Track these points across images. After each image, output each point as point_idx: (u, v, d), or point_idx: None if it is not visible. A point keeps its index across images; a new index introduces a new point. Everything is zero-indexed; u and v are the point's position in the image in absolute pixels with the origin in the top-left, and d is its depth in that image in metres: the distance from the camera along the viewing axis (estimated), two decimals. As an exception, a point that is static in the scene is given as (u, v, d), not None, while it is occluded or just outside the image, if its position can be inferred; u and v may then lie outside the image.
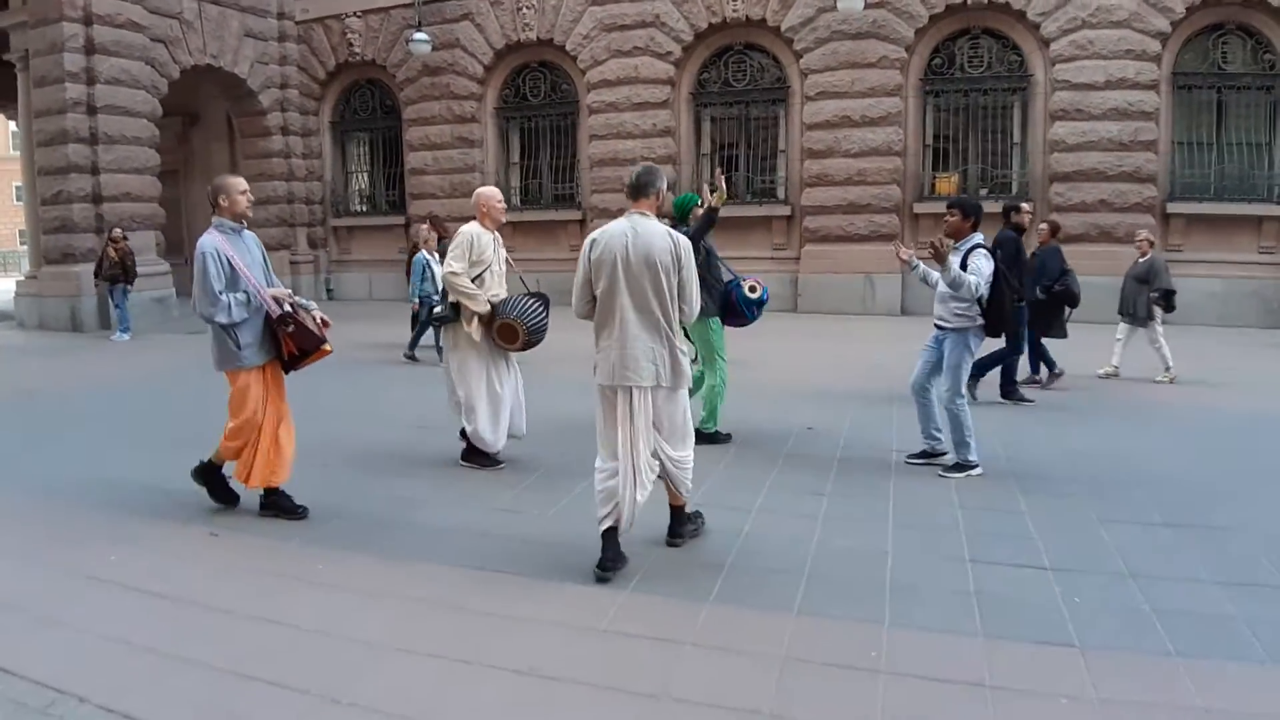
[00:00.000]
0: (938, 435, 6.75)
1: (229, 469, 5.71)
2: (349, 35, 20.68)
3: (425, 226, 12.47)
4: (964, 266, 6.24)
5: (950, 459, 6.56)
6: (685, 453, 4.77)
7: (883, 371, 10.49)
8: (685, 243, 4.57)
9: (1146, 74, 15.80)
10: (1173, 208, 15.99)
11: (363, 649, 3.83)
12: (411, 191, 20.46)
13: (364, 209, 22.19)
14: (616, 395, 4.57)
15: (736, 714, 3.32)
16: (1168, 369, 10.37)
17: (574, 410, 7.92)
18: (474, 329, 6.41)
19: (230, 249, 5.25)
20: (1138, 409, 8.87)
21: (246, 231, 5.50)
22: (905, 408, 8.77)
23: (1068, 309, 9.94)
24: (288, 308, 5.41)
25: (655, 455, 4.65)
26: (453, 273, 6.34)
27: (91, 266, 15.91)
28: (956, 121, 17.30)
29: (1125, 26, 15.73)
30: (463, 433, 6.75)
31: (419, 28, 19.11)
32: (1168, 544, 5.08)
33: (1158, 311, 10.47)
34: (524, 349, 6.53)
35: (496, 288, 6.49)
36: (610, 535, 4.59)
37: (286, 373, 5.60)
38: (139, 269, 15.72)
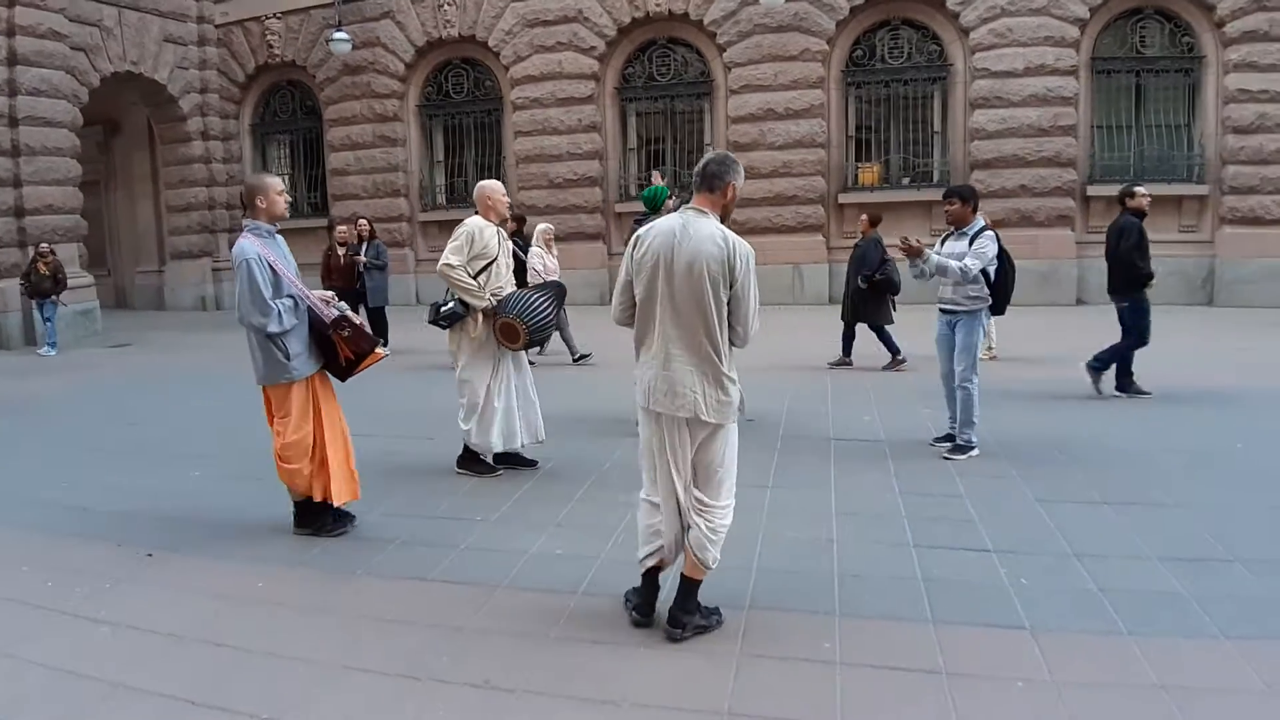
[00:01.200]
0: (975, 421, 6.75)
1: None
2: (269, 37, 20.19)
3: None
4: (972, 245, 6.52)
5: (956, 440, 6.71)
6: (719, 505, 3.84)
7: (814, 360, 10.57)
8: (746, 251, 3.71)
9: (1066, 60, 16.15)
10: (1093, 190, 16.38)
11: (310, 668, 3.68)
12: (334, 193, 20.04)
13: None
14: (657, 420, 3.83)
15: (697, 715, 3.26)
16: (989, 347, 10.74)
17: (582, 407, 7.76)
18: (476, 326, 6.17)
19: (270, 253, 4.93)
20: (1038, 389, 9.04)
21: (279, 235, 5.17)
22: (839, 395, 8.89)
23: (891, 297, 10.41)
24: (336, 310, 5.11)
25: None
26: (449, 265, 6.05)
27: (15, 281, 15.28)
28: (878, 112, 17.51)
29: (1044, 14, 16.05)
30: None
31: (339, 27, 18.75)
32: (1109, 522, 5.15)
33: None
34: (527, 348, 6.31)
35: (502, 283, 6.25)
36: (650, 575, 3.96)
37: (343, 380, 5.26)
38: (62, 282, 15.13)
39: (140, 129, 21.18)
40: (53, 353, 14.50)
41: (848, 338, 10.70)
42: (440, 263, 6.13)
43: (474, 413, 6.24)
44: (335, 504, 5.17)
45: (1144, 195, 8.68)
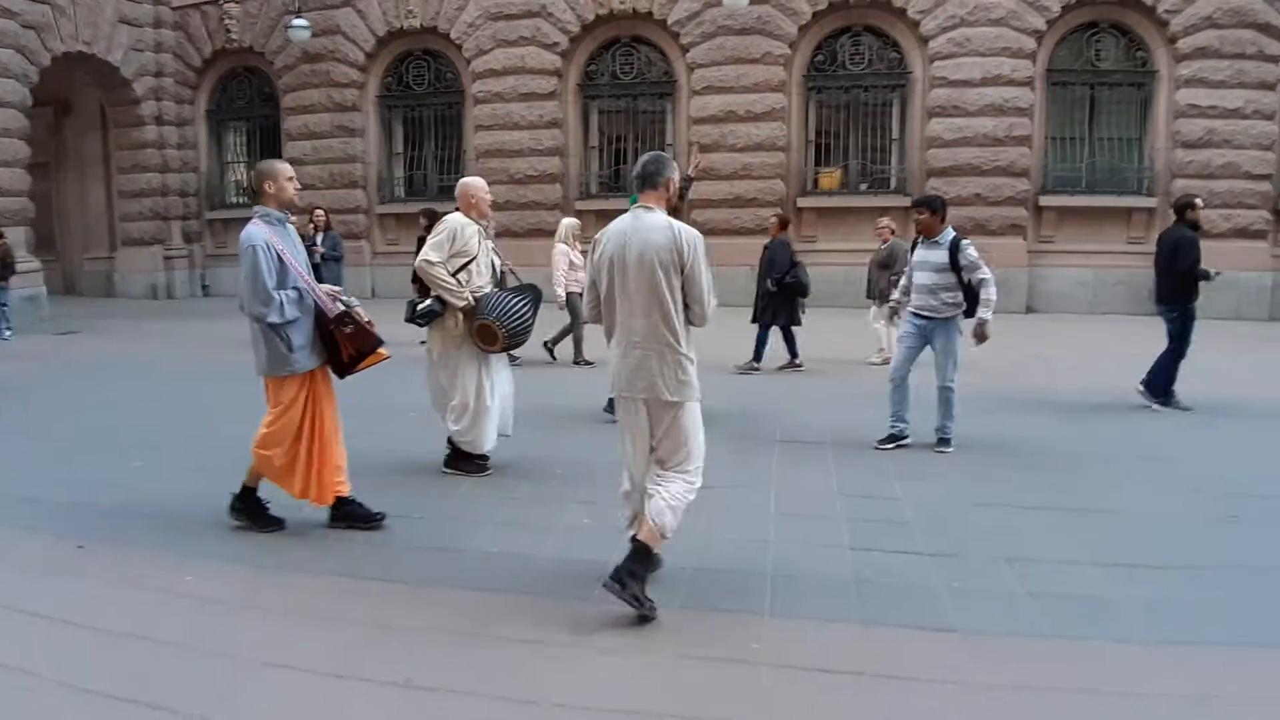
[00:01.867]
0: (907, 420, 7.08)
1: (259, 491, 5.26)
2: (226, 21, 19.85)
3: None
4: (954, 258, 6.71)
5: (936, 435, 6.99)
6: (684, 477, 4.07)
7: (770, 359, 10.62)
8: (691, 235, 3.96)
9: (1022, 71, 16.38)
10: (1045, 200, 16.65)
11: (233, 664, 3.62)
12: (290, 182, 19.74)
13: (241, 201, 21.30)
14: (623, 405, 4.13)
15: (622, 715, 3.25)
16: (881, 350, 11.05)
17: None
18: (455, 325, 6.04)
19: (279, 241, 4.79)
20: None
21: (289, 224, 5.04)
22: (788, 395, 8.94)
23: (801, 299, 10.50)
24: (341, 305, 4.99)
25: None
26: (428, 262, 5.91)
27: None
28: (838, 117, 17.65)
29: (1003, 24, 16.26)
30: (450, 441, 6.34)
31: (298, 13, 18.48)
32: (1045, 527, 5.22)
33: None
34: (505, 350, 6.23)
35: (482, 282, 6.13)
36: (636, 542, 4.09)
37: (342, 377, 5.14)
38: (9, 266, 14.79)
39: (93, 111, 20.72)
40: (11, 336, 14.20)
41: (760, 340, 10.70)
42: (419, 258, 6.01)
43: (464, 412, 6.12)
44: (317, 504, 5.12)
45: (1203, 208, 8.76)
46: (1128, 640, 3.79)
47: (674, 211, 4.33)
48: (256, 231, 4.76)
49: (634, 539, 4.02)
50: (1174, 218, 8.89)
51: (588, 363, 11.00)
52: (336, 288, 5.17)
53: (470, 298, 5.99)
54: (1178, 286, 8.59)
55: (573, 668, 3.59)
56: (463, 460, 6.29)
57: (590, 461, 6.43)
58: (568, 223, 11.57)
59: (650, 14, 17.47)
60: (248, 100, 20.74)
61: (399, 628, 3.93)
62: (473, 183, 6.28)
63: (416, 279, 6.21)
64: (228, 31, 19.88)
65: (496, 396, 6.20)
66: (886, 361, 10.64)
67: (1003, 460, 6.69)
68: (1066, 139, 16.87)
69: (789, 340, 10.61)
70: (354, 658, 3.66)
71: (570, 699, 3.35)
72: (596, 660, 3.64)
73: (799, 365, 10.55)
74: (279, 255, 4.76)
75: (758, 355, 10.61)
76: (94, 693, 3.41)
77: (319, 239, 12.58)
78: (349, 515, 5.17)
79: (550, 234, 17.84)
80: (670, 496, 3.99)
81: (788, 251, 10.47)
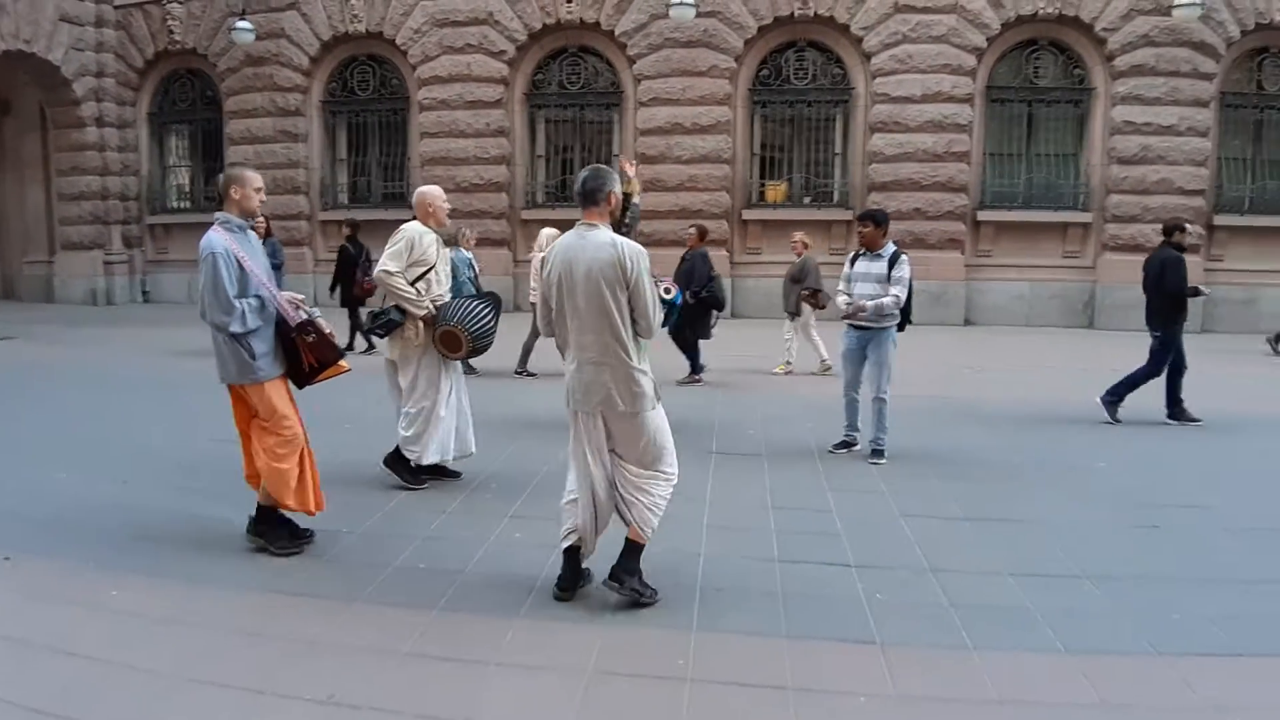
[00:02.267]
0: (859, 429, 7.37)
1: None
2: (170, 22, 19.55)
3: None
4: (891, 269, 7.00)
5: (870, 447, 7.17)
6: (653, 478, 4.26)
7: (710, 373, 10.67)
8: (634, 251, 4.07)
9: (962, 88, 16.71)
10: (983, 215, 16.98)
11: (155, 680, 3.57)
12: (232, 187, 19.44)
13: (183, 205, 21.02)
14: (575, 418, 4.24)
15: (538, 734, 3.25)
16: (787, 361, 11.34)
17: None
18: (416, 335, 5.98)
19: (239, 249, 4.71)
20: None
21: (251, 230, 4.96)
22: (728, 407, 8.98)
23: (715, 312, 10.57)
24: (304, 314, 4.90)
25: (617, 485, 4.26)
26: (387, 272, 5.86)
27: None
28: (783, 131, 17.88)
29: (944, 41, 16.57)
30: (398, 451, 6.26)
31: (242, 15, 18.30)
32: (967, 538, 5.32)
33: (806, 308, 11.22)
34: (469, 357, 6.19)
35: (441, 290, 6.10)
36: (570, 554, 4.34)
37: (301, 387, 5.02)
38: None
39: (32, 111, 20.30)
40: None
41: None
42: (378, 268, 5.95)
43: (416, 419, 6.07)
44: (315, 512, 5.05)
45: (1190, 233, 8.98)
46: (1041, 650, 3.87)
47: (623, 229, 4.52)
48: (217, 238, 4.68)
49: (627, 540, 4.27)
50: (1161, 239, 9.05)
51: (530, 374, 11.02)
52: (299, 296, 5.08)
53: (431, 306, 5.96)
54: (1167, 306, 8.75)
55: (498, 686, 3.58)
56: (402, 468, 6.21)
57: (523, 475, 6.43)
58: (548, 232, 11.54)
59: (598, 24, 17.52)
60: (190, 103, 20.44)
61: (324, 644, 3.89)
62: (430, 191, 6.24)
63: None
64: (170, 32, 19.59)
65: (453, 410, 6.16)
66: (790, 372, 11.04)
67: (931, 471, 6.79)
68: (1005, 155, 17.24)
69: (694, 353, 10.61)
70: (277, 674, 3.63)
71: (492, 716, 3.35)
72: (522, 678, 3.64)
73: (699, 380, 10.51)
74: (239, 262, 4.67)
75: (694, 367, 10.63)
76: (14, 705, 3.37)
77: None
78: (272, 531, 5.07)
79: (498, 244, 17.94)
80: (651, 502, 4.23)
81: (706, 264, 10.48)
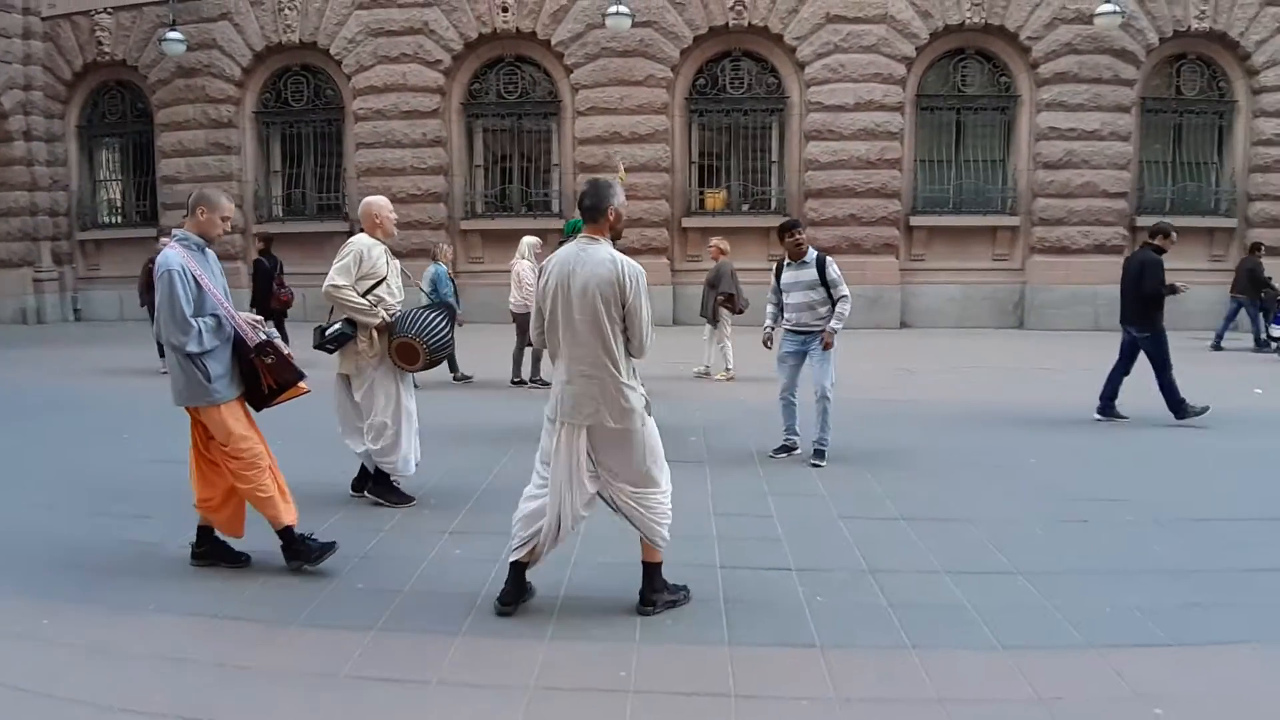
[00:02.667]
0: (798, 433, 7.50)
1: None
2: (99, 33, 19.13)
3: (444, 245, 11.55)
4: (822, 274, 7.21)
5: (813, 448, 7.29)
6: (649, 492, 4.25)
7: (653, 380, 10.66)
8: (634, 270, 4.07)
9: (893, 96, 17.04)
10: (915, 220, 17.34)
11: (83, 710, 3.47)
12: (164, 201, 19.10)
13: (114, 220, 20.58)
14: (561, 428, 4.17)
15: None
16: (727, 368, 11.43)
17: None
18: (370, 346, 5.80)
19: (196, 266, 4.56)
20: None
21: (209, 249, 4.80)
22: (673, 413, 8.99)
23: None
24: (262, 335, 4.76)
25: (603, 499, 4.28)
26: (335, 286, 5.70)
27: None
28: (721, 140, 18.07)
29: (874, 51, 16.89)
30: (363, 469, 6.15)
31: (173, 26, 18.01)
32: (904, 537, 5.41)
33: (724, 313, 11.41)
34: (426, 368, 6.05)
35: (394, 303, 5.95)
36: (516, 568, 4.30)
37: (259, 409, 4.89)
38: None
39: (-42, 124, 19.73)
40: None
41: (536, 358, 10.79)
42: (326, 283, 5.77)
43: (384, 431, 5.94)
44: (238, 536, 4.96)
45: (1172, 241, 9.18)
46: (977, 647, 3.95)
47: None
48: (173, 256, 4.54)
49: (643, 564, 4.35)
50: (1144, 241, 9.32)
51: (466, 377, 11.05)
52: (257, 317, 4.97)
53: (385, 315, 5.83)
54: (1145, 306, 8.95)
55: (439, 706, 3.52)
56: (387, 490, 6.10)
57: (463, 490, 6.37)
58: (529, 240, 11.57)
59: (534, 34, 17.54)
60: (120, 115, 20.02)
61: (259, 669, 3.80)
62: (376, 201, 6.08)
63: (254, 300, 5.90)
64: (100, 44, 19.17)
65: (409, 420, 6.06)
66: (732, 379, 11.18)
67: (869, 473, 6.90)
68: (935, 161, 17.66)
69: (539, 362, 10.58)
70: (211, 702, 3.54)
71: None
72: (463, 697, 3.58)
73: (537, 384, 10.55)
74: (196, 281, 4.54)
75: (534, 373, 10.59)
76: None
77: None
78: (216, 553, 5.00)
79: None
80: (652, 517, 4.24)
81: None
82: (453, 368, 11.29)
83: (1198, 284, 16.99)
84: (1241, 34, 17.03)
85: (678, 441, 7.93)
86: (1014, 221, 17.29)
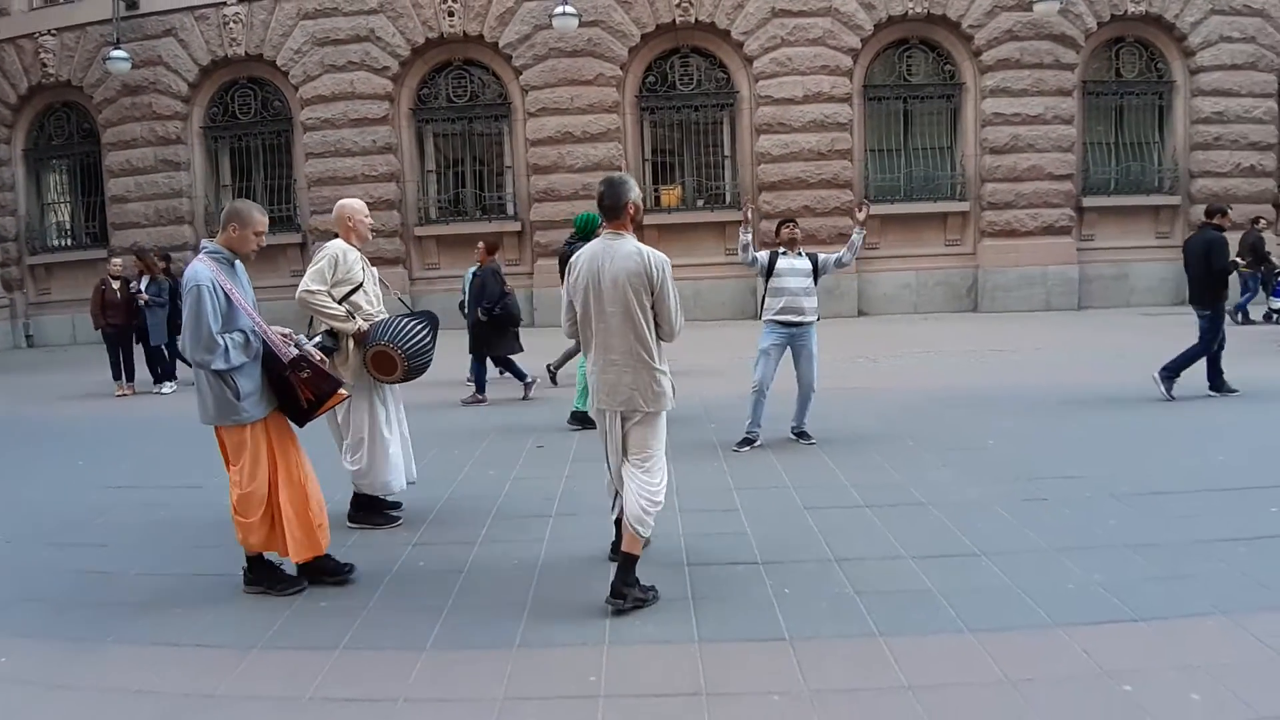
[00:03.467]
0: (761, 425, 7.63)
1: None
2: (43, 55, 18.73)
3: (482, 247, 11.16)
4: (815, 266, 7.56)
5: (800, 429, 7.74)
6: (653, 481, 4.43)
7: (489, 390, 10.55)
8: (660, 260, 4.33)
9: (841, 88, 17.20)
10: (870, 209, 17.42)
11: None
12: (114, 221, 18.76)
13: (64, 243, 20.18)
14: (601, 416, 4.51)
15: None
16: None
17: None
18: (345, 357, 5.53)
19: (226, 280, 4.44)
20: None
21: (239, 262, 4.68)
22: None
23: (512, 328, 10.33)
24: (294, 349, 4.64)
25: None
26: (309, 292, 5.46)
27: None
28: (673, 136, 18.13)
29: (820, 44, 17.03)
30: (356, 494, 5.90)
31: (117, 45, 17.66)
32: (869, 525, 5.47)
33: None
34: (404, 380, 5.62)
35: (372, 311, 5.65)
36: (619, 524, 4.68)
37: (300, 424, 4.77)
38: None
39: (-97, 150, 19.27)
40: None
41: (478, 372, 10.40)
42: (300, 289, 5.51)
43: (360, 449, 5.68)
44: (295, 561, 4.74)
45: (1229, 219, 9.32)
46: (945, 631, 3.99)
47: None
48: (202, 269, 4.39)
49: (619, 553, 4.50)
50: (1201, 221, 9.40)
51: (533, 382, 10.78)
52: (286, 329, 4.79)
53: (361, 323, 5.54)
54: (1213, 285, 9.07)
55: (404, 722, 3.49)
56: (370, 512, 5.89)
57: (427, 500, 6.27)
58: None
59: (481, 36, 17.47)
60: (67, 137, 19.62)
61: (222, 697, 3.71)
62: (350, 205, 5.85)
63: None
64: (44, 65, 18.79)
65: (396, 433, 5.81)
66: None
67: (832, 462, 6.97)
68: (884, 151, 17.86)
69: (513, 370, 10.49)
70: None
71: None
72: (431, 713, 3.53)
73: (529, 386, 10.40)
74: (226, 295, 4.41)
75: (479, 387, 10.36)
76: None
77: (143, 284, 12.01)
78: (318, 569, 4.82)
79: (391, 262, 17.66)
80: (646, 503, 4.38)
81: (498, 280, 10.21)
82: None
83: (1145, 261, 17.64)
84: (1177, 16, 17.39)
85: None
86: (964, 207, 17.53)
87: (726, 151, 17.95)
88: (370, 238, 5.95)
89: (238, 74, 18.49)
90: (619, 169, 17.46)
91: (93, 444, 8.94)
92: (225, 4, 17.81)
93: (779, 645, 3.93)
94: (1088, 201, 17.70)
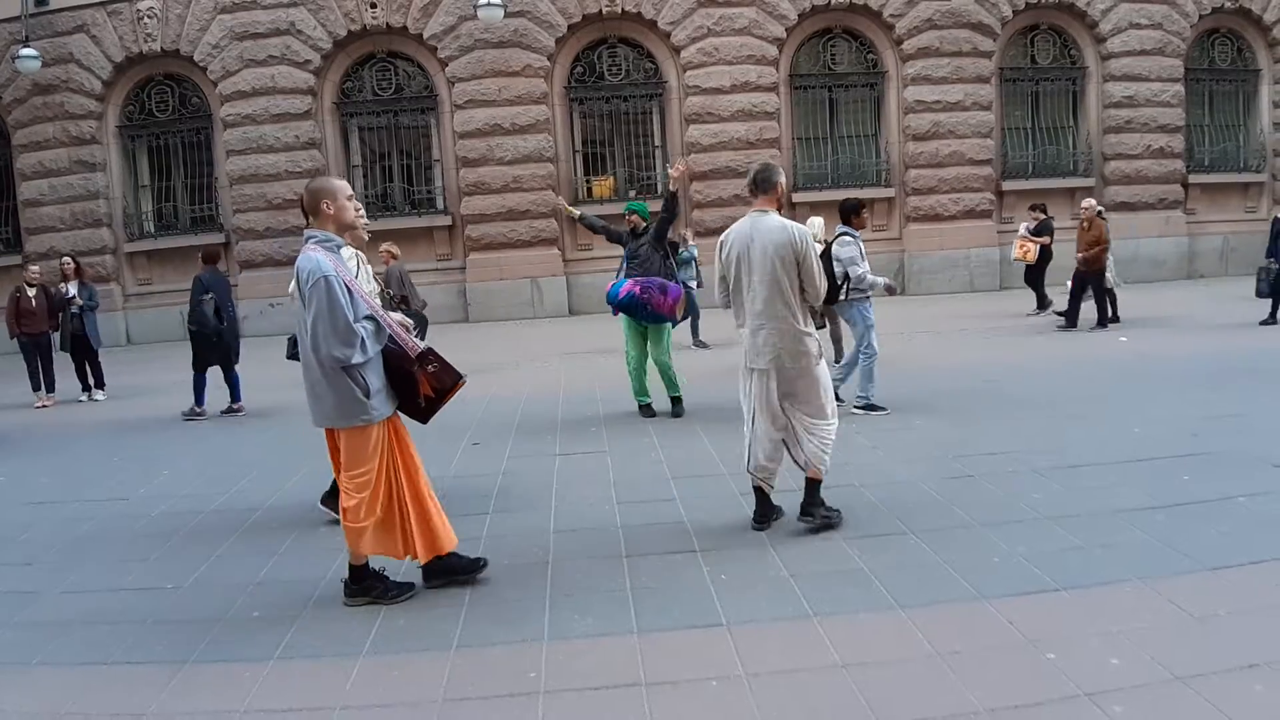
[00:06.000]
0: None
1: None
2: (-55, 55, 18.03)
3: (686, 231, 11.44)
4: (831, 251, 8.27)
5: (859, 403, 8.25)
6: (824, 424, 5.07)
7: (543, 382, 10.71)
8: (803, 231, 4.90)
9: (767, 77, 17.39)
10: (798, 197, 17.72)
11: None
12: (27, 226, 18.18)
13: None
14: (751, 375, 5.06)
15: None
16: None
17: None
18: None
19: (343, 269, 4.16)
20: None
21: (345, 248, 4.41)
22: (567, 406, 9.07)
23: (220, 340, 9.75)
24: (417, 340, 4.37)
25: (791, 427, 5.07)
26: (291, 297, 5.40)
27: None
28: (603, 127, 18.15)
29: (746, 34, 17.19)
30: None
31: (26, 43, 17.10)
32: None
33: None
34: None
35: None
36: (759, 492, 5.24)
37: (424, 421, 4.54)
38: None
39: None
40: None
41: (199, 384, 9.96)
42: (290, 288, 5.46)
43: None
44: (423, 561, 4.53)
45: None
46: (877, 609, 4.08)
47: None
48: (322, 259, 4.08)
49: (807, 479, 5.15)
50: None
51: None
52: (406, 319, 4.56)
53: None
54: None
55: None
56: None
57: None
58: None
59: (405, 28, 17.31)
60: (-26, 140, 18.90)
61: (151, 715, 3.57)
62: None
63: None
64: (-53, 65, 18.08)
65: None
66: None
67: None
68: (811, 139, 18.12)
69: (227, 383, 10.11)
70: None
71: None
72: (368, 717, 3.49)
73: (200, 415, 9.96)
74: (347, 285, 4.12)
75: (199, 399, 9.99)
76: None
77: (72, 288, 11.65)
78: (448, 569, 4.62)
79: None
80: (820, 444, 5.07)
81: (199, 288, 9.79)
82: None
83: (1062, 241, 18.11)
84: (1088, 4, 17.95)
85: (580, 433, 8.02)
86: (889, 193, 17.86)
87: (657, 142, 18.05)
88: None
89: (154, 70, 18.04)
90: (550, 160, 17.45)
91: (13, 458, 8.65)
92: (139, -2, 17.34)
93: (717, 631, 3.97)
94: (1007, 185, 18.17)
